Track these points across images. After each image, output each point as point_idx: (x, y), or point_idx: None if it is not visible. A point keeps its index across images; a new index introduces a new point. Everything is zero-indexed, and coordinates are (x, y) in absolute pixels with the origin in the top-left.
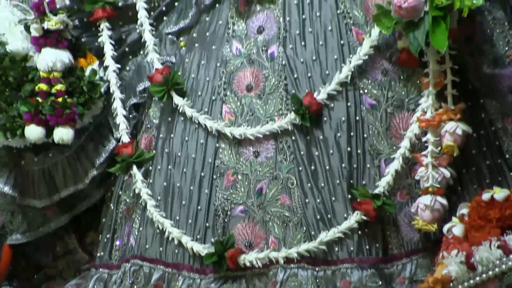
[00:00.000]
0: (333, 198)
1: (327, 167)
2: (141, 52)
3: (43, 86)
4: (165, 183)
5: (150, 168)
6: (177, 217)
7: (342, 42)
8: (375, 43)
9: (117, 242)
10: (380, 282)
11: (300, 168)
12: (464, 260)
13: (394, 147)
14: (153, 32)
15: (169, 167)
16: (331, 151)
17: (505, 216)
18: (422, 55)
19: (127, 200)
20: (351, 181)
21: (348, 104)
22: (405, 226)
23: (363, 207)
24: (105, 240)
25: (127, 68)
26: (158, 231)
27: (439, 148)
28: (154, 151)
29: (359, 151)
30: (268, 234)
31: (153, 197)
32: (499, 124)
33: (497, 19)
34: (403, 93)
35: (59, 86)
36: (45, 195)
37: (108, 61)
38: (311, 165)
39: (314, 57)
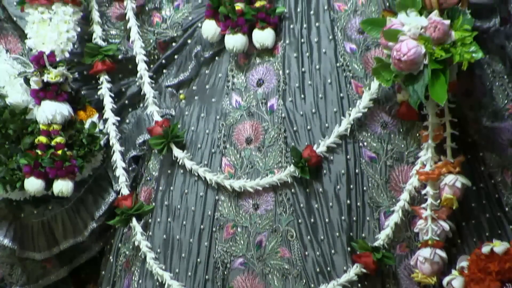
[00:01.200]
0: (333, 251)
1: (327, 220)
2: (141, 105)
3: (42, 139)
4: (164, 236)
5: (150, 220)
6: (177, 270)
7: (341, 95)
8: (374, 96)
9: None
10: None
11: (300, 220)
12: None
13: (394, 200)
14: (153, 85)
15: (169, 219)
16: (330, 204)
17: (504, 269)
18: (421, 108)
19: (127, 252)
20: (351, 234)
21: (348, 157)
22: (405, 279)
23: (362, 260)
24: None
25: (127, 120)
26: (157, 283)
27: (439, 201)
28: (153, 204)
29: (358, 203)
30: (267, 286)
31: (153, 249)
32: (499, 177)
33: (496, 72)
34: (402, 146)
35: (59, 139)
36: (45, 248)
37: (108, 113)
38: (311, 218)
39: (313, 110)
